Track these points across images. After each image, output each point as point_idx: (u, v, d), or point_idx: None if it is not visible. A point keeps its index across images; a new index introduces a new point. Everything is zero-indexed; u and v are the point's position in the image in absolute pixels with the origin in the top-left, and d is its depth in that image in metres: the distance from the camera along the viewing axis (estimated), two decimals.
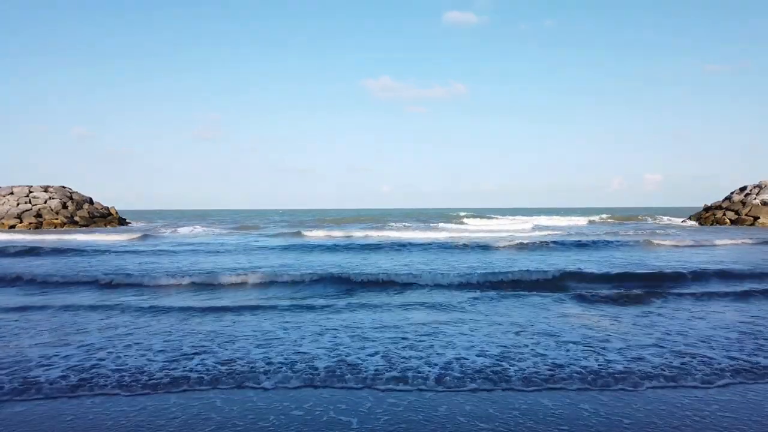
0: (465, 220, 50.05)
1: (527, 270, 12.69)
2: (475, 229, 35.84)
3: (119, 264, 15.20)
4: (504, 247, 20.17)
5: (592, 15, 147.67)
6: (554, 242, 21.46)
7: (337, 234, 29.76)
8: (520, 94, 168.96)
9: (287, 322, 7.96)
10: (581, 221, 49.86)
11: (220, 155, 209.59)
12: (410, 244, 21.40)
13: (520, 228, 33.86)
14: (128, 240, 26.08)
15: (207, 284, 11.68)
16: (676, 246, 20.81)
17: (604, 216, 57.39)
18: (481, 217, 56.28)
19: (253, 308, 8.98)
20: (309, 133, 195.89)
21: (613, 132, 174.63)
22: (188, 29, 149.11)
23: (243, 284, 11.75)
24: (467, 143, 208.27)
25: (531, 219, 51.87)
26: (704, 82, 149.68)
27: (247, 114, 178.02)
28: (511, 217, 57.29)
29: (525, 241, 21.96)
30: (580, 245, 20.82)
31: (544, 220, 49.99)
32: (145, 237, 27.56)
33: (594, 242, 21.99)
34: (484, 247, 19.96)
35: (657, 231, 31.69)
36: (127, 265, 14.92)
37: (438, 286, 11.35)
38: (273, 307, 9.05)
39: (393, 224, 42.98)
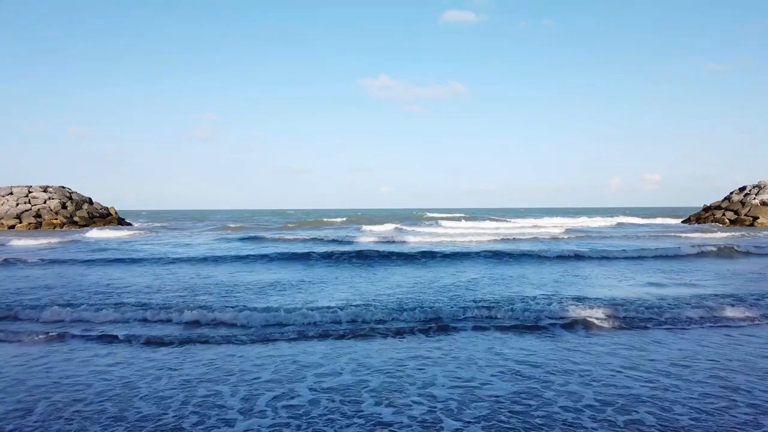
0: (488, 221, 47.75)
1: None
2: (502, 232, 31.66)
3: None
4: (592, 257, 16.96)
5: (592, 14, 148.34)
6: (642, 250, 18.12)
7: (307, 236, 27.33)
8: (520, 93, 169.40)
9: None
10: (607, 222, 48.10)
11: (219, 155, 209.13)
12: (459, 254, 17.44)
13: (557, 232, 31.46)
14: (46, 244, 23.39)
15: None
16: None
17: (626, 217, 56.76)
18: (491, 219, 55.32)
19: None
20: (308, 133, 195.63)
21: (612, 132, 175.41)
22: (187, 29, 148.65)
23: None
24: (466, 143, 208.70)
25: (540, 221, 49.64)
26: (705, 82, 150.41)
27: (247, 114, 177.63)
28: (523, 219, 54.99)
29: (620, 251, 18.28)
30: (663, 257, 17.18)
31: (570, 222, 46.83)
32: (65, 242, 24.51)
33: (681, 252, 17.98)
34: (562, 258, 16.58)
35: (707, 231, 30.91)
36: None
37: None
38: None
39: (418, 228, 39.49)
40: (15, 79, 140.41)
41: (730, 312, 8.33)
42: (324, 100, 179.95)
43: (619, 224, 45.73)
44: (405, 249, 19.80)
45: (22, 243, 24.33)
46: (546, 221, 47.37)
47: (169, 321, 8.13)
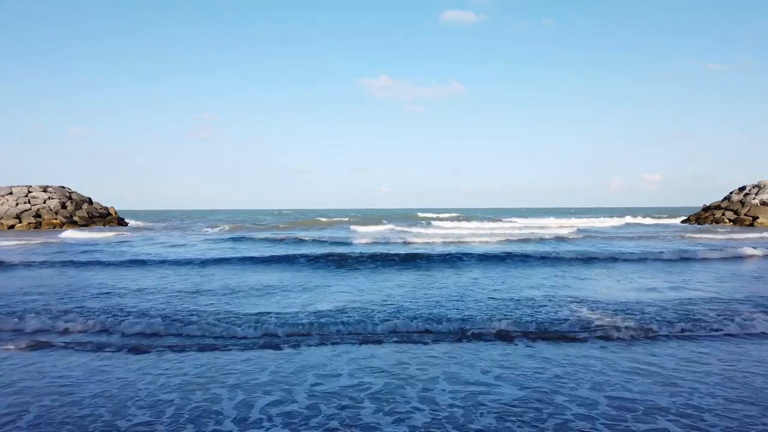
0: (490, 221, 46.76)
1: None
2: (505, 233, 30.06)
3: None
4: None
5: (592, 14, 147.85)
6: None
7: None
8: (519, 93, 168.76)
9: None
10: (615, 222, 47.17)
11: (219, 155, 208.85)
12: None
13: (564, 232, 30.58)
14: (16, 246, 22.40)
15: None
16: None
17: (633, 218, 56.23)
18: (495, 219, 54.85)
19: None
20: (308, 133, 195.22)
21: (612, 132, 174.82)
22: (187, 29, 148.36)
23: None
24: (466, 143, 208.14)
25: (546, 221, 48.09)
26: (705, 82, 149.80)
27: (247, 114, 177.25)
28: (525, 219, 53.78)
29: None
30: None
31: (578, 222, 45.46)
32: (41, 244, 23.47)
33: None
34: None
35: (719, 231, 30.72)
36: None
37: None
38: None
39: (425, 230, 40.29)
40: (15, 79, 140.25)
41: (754, 319, 7.94)
42: (324, 100, 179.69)
43: (627, 224, 45.08)
44: (403, 250, 19.18)
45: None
46: (552, 221, 46.23)
47: (153, 332, 7.84)
